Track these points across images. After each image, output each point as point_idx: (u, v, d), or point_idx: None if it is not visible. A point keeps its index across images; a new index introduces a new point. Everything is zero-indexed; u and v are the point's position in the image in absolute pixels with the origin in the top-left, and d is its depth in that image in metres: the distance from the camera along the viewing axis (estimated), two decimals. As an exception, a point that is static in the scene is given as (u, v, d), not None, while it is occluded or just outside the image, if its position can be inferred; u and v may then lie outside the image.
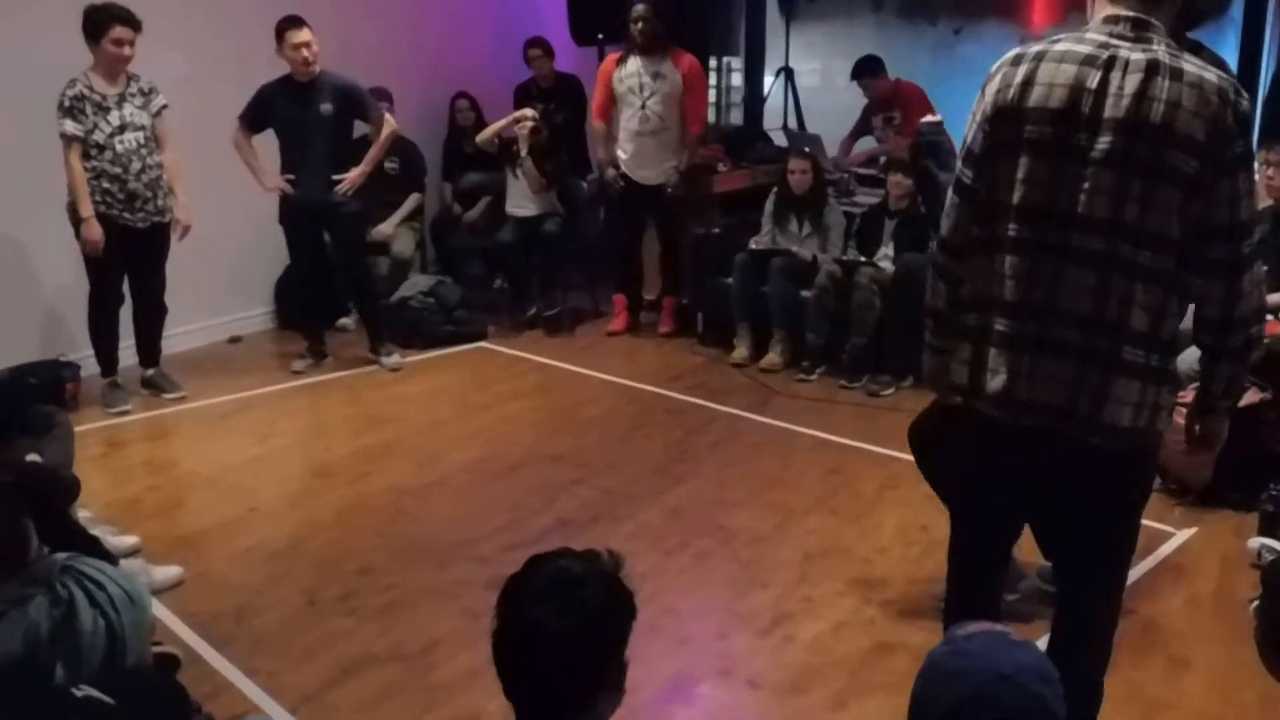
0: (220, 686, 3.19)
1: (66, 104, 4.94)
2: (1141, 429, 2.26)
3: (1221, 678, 3.24)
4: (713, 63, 8.84)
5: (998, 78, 2.29)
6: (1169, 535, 4.07)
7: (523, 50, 7.25)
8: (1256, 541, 3.90)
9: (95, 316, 5.32)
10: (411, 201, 6.90)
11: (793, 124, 8.14)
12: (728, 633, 3.50)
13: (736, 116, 9.18)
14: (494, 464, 4.79)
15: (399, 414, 5.41)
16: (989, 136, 2.29)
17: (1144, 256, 2.20)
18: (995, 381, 2.31)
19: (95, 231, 5.01)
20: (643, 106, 6.31)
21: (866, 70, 6.93)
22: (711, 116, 7.86)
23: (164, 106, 5.23)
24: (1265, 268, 2.80)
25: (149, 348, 5.54)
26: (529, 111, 6.62)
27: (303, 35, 5.47)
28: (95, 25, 4.93)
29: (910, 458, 4.71)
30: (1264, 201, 4.62)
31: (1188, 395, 4.32)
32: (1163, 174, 2.17)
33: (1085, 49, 2.22)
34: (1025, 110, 2.22)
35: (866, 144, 7.24)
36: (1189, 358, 4.65)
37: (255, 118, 5.65)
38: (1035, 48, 2.28)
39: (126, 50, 5.00)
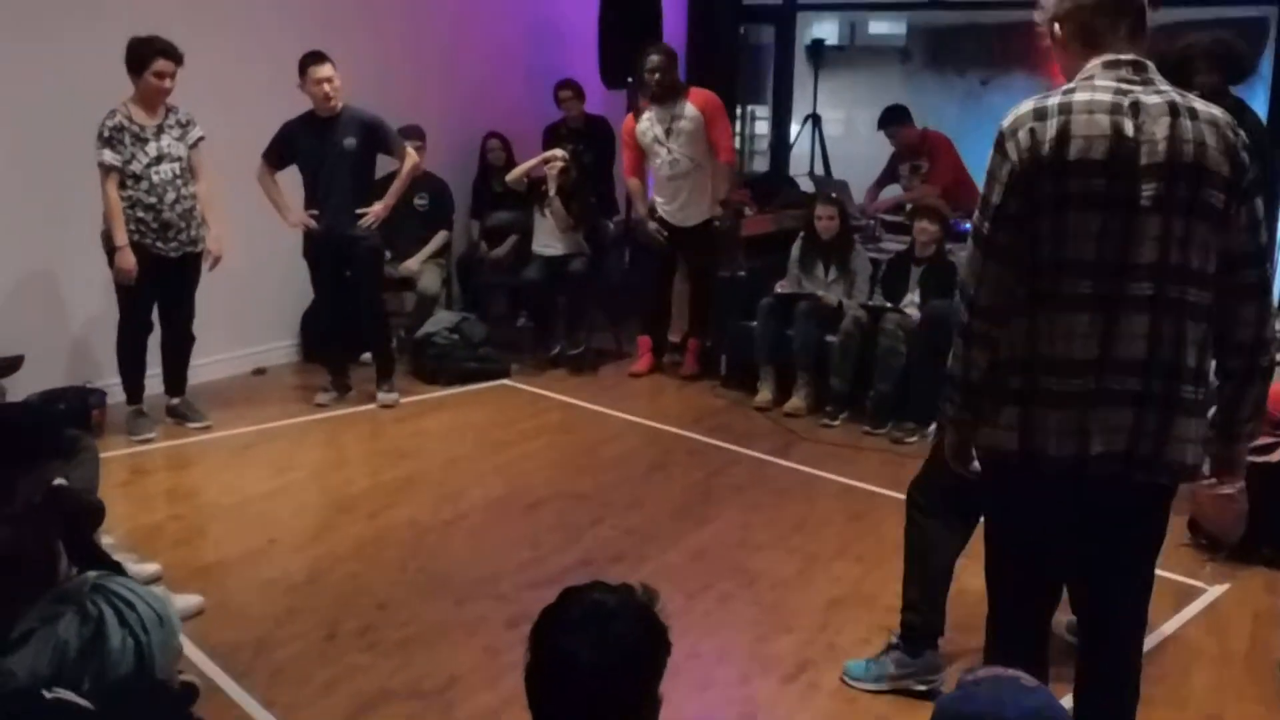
0: (238, 718, 3.17)
1: (105, 134, 4.99)
2: (1200, 463, 2.32)
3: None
4: (738, 110, 8.92)
5: (1022, 135, 2.23)
6: (1201, 591, 4.02)
7: (554, 91, 7.31)
8: None
9: (124, 344, 5.34)
10: (439, 239, 6.94)
11: (819, 170, 8.18)
12: (751, 678, 3.46)
13: (761, 164, 9.24)
14: (515, 501, 4.77)
15: (421, 449, 5.40)
16: (1026, 195, 2.23)
17: (1191, 294, 2.24)
18: (1061, 445, 2.27)
19: (129, 260, 5.05)
20: (669, 151, 6.34)
21: (894, 119, 6.96)
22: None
23: (201, 138, 5.28)
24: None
25: (175, 377, 5.56)
26: (559, 152, 6.66)
27: (324, 71, 5.51)
28: (138, 57, 4.99)
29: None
30: None
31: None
32: (1197, 211, 2.23)
33: (1107, 97, 2.23)
34: (1067, 164, 2.20)
35: (893, 191, 7.25)
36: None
37: (279, 153, 5.70)
38: (1054, 100, 2.25)
39: (168, 83, 5.06)
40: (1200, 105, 2.28)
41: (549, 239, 6.75)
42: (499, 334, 6.98)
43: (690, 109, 6.34)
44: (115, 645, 1.69)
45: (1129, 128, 2.20)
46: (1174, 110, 2.23)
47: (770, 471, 5.19)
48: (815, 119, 8.42)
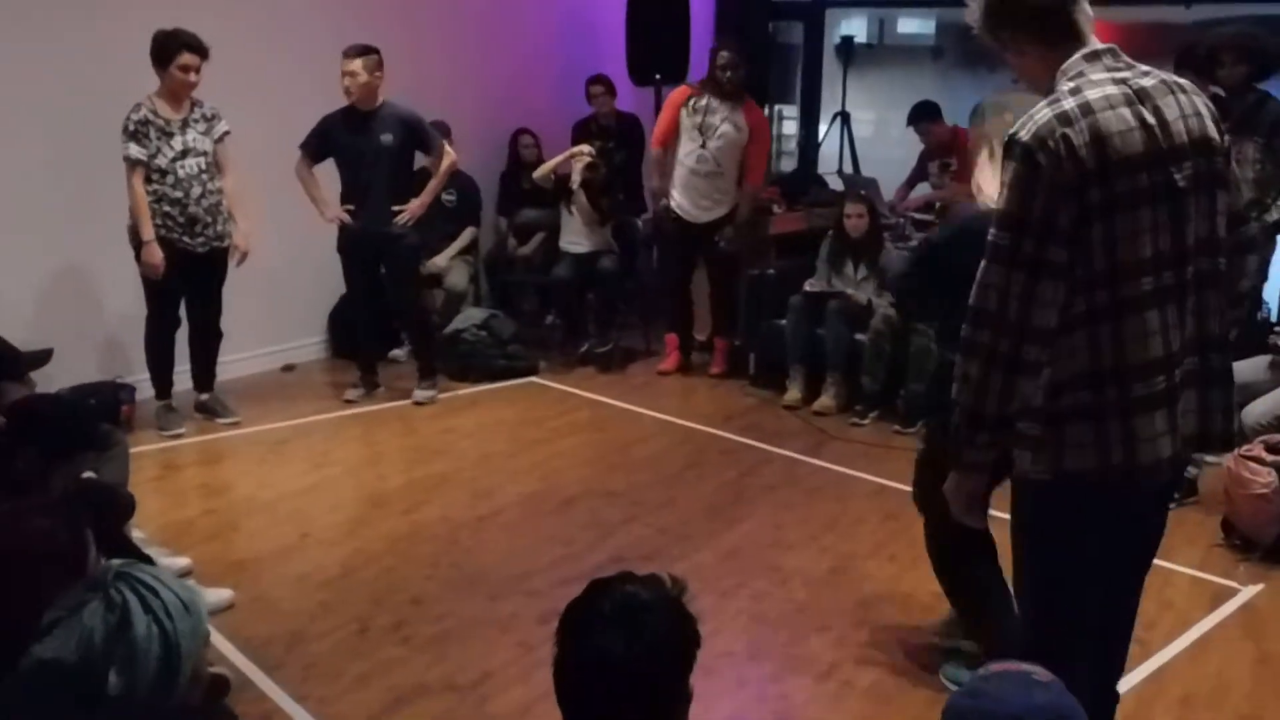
0: (270, 712, 3.17)
1: (131, 128, 5.00)
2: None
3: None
4: (766, 110, 8.89)
5: (1053, 144, 2.12)
6: (1235, 591, 3.98)
7: (585, 87, 7.30)
8: None
9: (152, 339, 5.36)
10: (467, 235, 6.94)
11: (848, 169, 8.14)
12: (784, 677, 3.43)
13: (788, 164, 9.20)
14: (548, 499, 4.76)
15: (453, 446, 5.40)
16: (1078, 203, 2.13)
17: (1220, 263, 2.27)
18: (1158, 448, 2.20)
19: (156, 255, 5.06)
20: (704, 145, 6.30)
21: (925, 115, 6.90)
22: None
23: (226, 133, 5.28)
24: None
25: (204, 372, 5.57)
26: (585, 147, 6.65)
27: (348, 65, 5.49)
28: (164, 51, 5.00)
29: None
30: None
31: (1254, 449, 4.28)
32: (1213, 182, 2.25)
33: (1115, 90, 2.18)
34: (1110, 166, 2.13)
35: (923, 190, 7.21)
36: (1255, 411, 4.59)
37: (317, 147, 5.69)
38: (1069, 104, 2.15)
39: (193, 77, 5.06)
40: (1178, 78, 2.31)
41: (575, 235, 6.74)
42: (527, 332, 6.97)
43: (742, 119, 6.30)
44: (141, 632, 1.68)
45: (1148, 116, 2.17)
46: (1170, 89, 2.24)
47: (802, 471, 5.16)
48: (844, 117, 8.37)
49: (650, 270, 7.23)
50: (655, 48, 7.20)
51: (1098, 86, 2.18)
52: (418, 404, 5.93)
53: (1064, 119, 2.14)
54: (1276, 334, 4.89)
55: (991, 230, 2.19)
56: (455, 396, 6.12)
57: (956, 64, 8.99)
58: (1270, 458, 4.21)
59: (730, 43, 6.49)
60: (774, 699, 3.31)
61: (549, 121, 7.47)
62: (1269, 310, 5.52)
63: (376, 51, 5.57)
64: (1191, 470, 4.50)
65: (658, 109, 6.79)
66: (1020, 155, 2.15)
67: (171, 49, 5.00)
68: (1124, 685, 3.31)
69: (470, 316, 6.60)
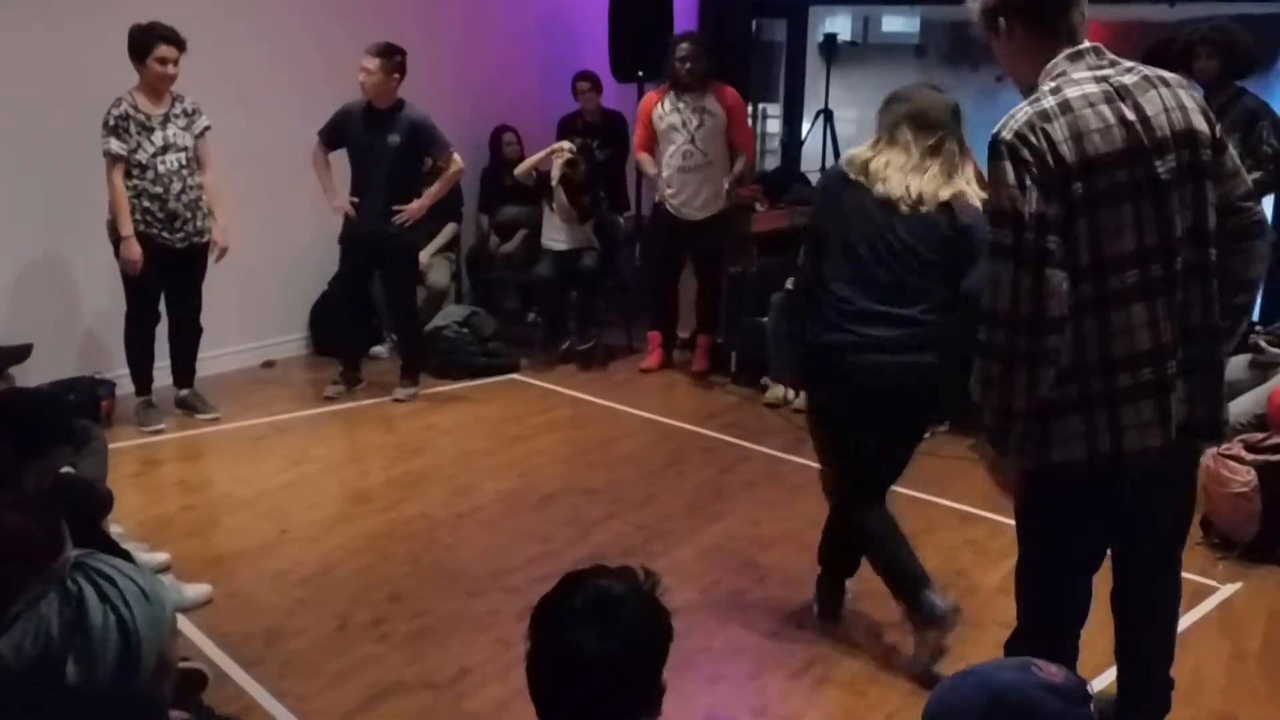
0: (248, 708, 3.16)
1: (111, 123, 4.98)
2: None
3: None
4: (750, 109, 8.88)
5: (1035, 139, 2.19)
6: (1213, 590, 3.99)
7: (571, 83, 7.29)
8: None
9: (131, 335, 5.34)
10: (448, 231, 6.93)
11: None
12: (761, 672, 3.44)
13: (772, 163, 9.21)
14: (527, 496, 4.76)
15: (432, 443, 5.40)
16: (1062, 197, 2.19)
17: (1210, 255, 2.31)
18: (1145, 437, 2.28)
19: (134, 250, 5.04)
20: (690, 141, 6.29)
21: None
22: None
23: (207, 128, 5.26)
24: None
25: (183, 368, 5.55)
26: (566, 144, 6.63)
27: (365, 62, 5.51)
28: (140, 44, 4.98)
29: (948, 503, 4.71)
30: None
31: (1233, 448, 4.30)
32: (1199, 172, 2.29)
33: (1095, 88, 2.24)
34: (1091, 162, 2.19)
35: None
36: (1235, 410, 4.61)
37: (331, 136, 5.70)
38: (1049, 102, 2.22)
39: (171, 69, 5.03)
40: (1163, 73, 2.35)
41: (556, 233, 6.73)
42: (509, 328, 6.97)
43: (715, 105, 6.29)
44: (97, 622, 1.66)
45: (1128, 112, 2.23)
46: (1151, 83, 2.29)
47: (782, 468, 5.17)
48: (827, 115, 8.39)
49: (632, 268, 7.23)
50: (638, 45, 7.19)
51: (1078, 85, 2.24)
52: (398, 401, 5.91)
53: (1043, 115, 2.21)
54: (1257, 333, 4.92)
55: (988, 229, 2.27)
56: (436, 394, 6.11)
57: (939, 62, 9.03)
58: (1250, 456, 4.23)
59: (688, 34, 6.48)
60: (751, 694, 3.32)
61: (532, 118, 7.46)
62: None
63: (400, 53, 5.58)
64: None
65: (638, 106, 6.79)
66: (1006, 152, 2.21)
67: (148, 42, 4.98)
68: (1100, 682, 3.35)
69: (451, 314, 6.59)
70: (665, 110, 6.32)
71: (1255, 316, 5.63)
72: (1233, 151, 2.41)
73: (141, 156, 5.03)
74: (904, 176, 3.23)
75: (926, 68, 9.01)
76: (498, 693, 3.21)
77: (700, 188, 6.36)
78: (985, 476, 2.54)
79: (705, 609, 3.81)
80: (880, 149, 3.31)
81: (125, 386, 5.48)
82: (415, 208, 5.73)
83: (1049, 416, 2.29)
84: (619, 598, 1.72)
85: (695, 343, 6.69)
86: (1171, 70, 2.41)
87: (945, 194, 3.22)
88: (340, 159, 5.77)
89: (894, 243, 3.23)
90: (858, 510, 3.53)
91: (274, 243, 6.04)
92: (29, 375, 4.98)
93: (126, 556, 3.03)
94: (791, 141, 8.97)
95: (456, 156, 5.86)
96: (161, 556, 3.93)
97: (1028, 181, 2.19)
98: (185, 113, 5.19)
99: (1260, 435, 4.35)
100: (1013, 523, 4.49)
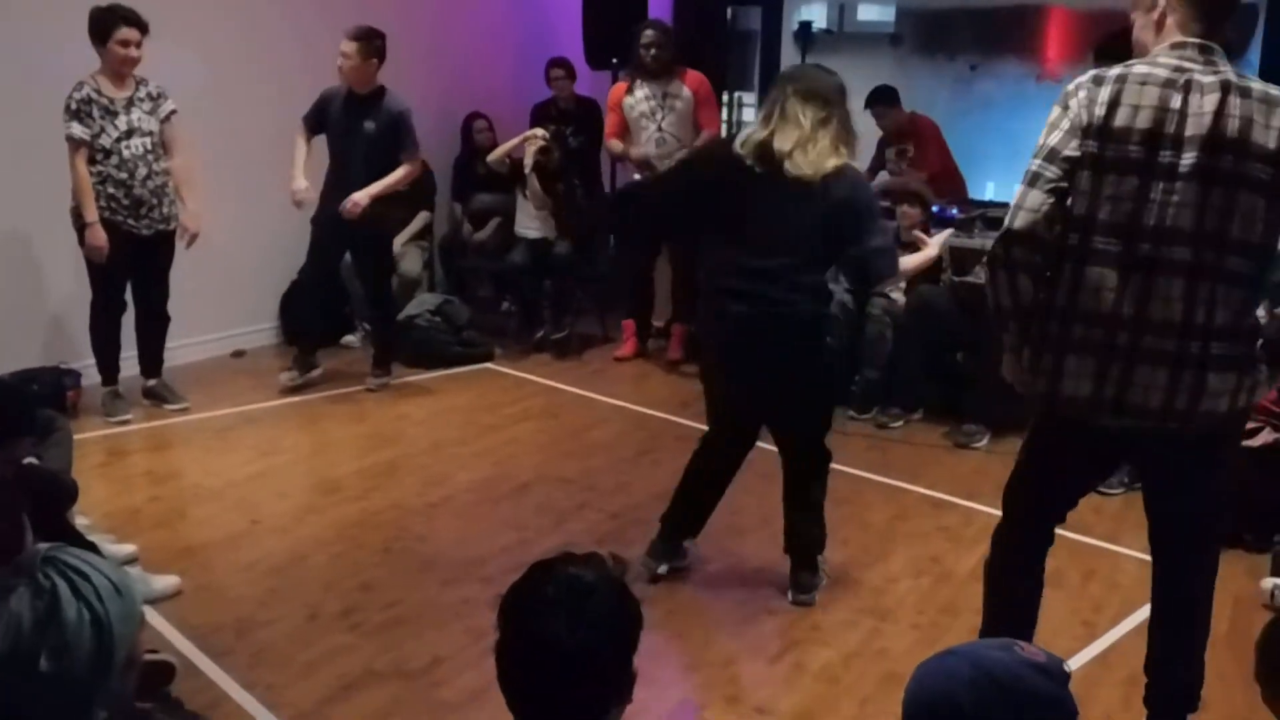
0: (218, 699, 3.13)
1: (73, 107, 4.89)
2: (1240, 410, 2.52)
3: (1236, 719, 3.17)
4: (725, 97, 8.86)
5: (1081, 94, 2.46)
6: (1184, 574, 4.00)
7: (545, 70, 7.24)
8: (1270, 582, 3.86)
9: (97, 324, 5.26)
10: (420, 219, 6.88)
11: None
12: (736, 659, 3.44)
13: (749, 150, 9.18)
14: (500, 485, 4.73)
15: (405, 433, 5.36)
16: (1079, 143, 2.44)
17: (1231, 262, 2.40)
18: (1077, 387, 2.49)
19: (99, 238, 4.96)
20: (659, 129, 6.28)
21: (882, 99, 6.88)
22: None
23: (173, 112, 5.18)
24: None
25: (151, 358, 5.47)
26: (539, 131, 6.59)
27: (343, 45, 5.45)
28: (101, 27, 4.90)
29: (921, 490, 4.71)
30: None
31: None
32: (1242, 183, 2.38)
33: (1163, 73, 2.41)
34: (1111, 130, 2.40)
35: (881, 178, 7.21)
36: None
37: (314, 119, 5.63)
38: (1115, 70, 2.46)
39: (133, 51, 4.95)
40: (1257, 85, 2.42)
41: (530, 220, 6.70)
42: (483, 317, 6.94)
43: (684, 89, 6.28)
44: (71, 617, 1.64)
45: (1176, 101, 2.38)
46: (1225, 88, 2.38)
47: (756, 456, 5.09)
48: (802, 104, 8.37)
49: (606, 256, 7.20)
50: (612, 31, 7.15)
51: (1153, 66, 2.44)
52: (369, 390, 5.87)
53: (1098, 80, 2.46)
54: None
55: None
56: (408, 383, 6.08)
57: (915, 51, 9.02)
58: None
59: (651, 21, 6.46)
60: (725, 682, 3.31)
61: (505, 105, 7.42)
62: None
63: (379, 37, 5.50)
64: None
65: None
66: (1060, 99, 2.51)
67: (108, 24, 4.90)
68: (1072, 664, 3.35)
69: (424, 302, 6.55)
70: (636, 99, 6.30)
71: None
72: None
73: (105, 141, 4.96)
74: (800, 151, 3.41)
75: (902, 56, 9.00)
76: (471, 681, 3.19)
77: None
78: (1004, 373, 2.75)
79: (679, 597, 3.79)
80: (774, 126, 3.47)
81: (91, 376, 5.40)
82: (361, 197, 5.49)
83: (1023, 346, 2.58)
84: (589, 586, 1.71)
85: (670, 331, 6.68)
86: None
87: (829, 165, 3.42)
88: (321, 144, 5.70)
89: (778, 215, 3.44)
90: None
91: (244, 230, 5.97)
92: (-7, 366, 4.91)
93: (93, 548, 3.00)
94: (766, 130, 8.96)
95: (418, 163, 5.77)
96: (129, 548, 3.88)
97: (1061, 124, 2.46)
98: (150, 96, 5.10)
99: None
100: (984, 509, 4.55)
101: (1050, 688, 1.47)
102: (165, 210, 5.18)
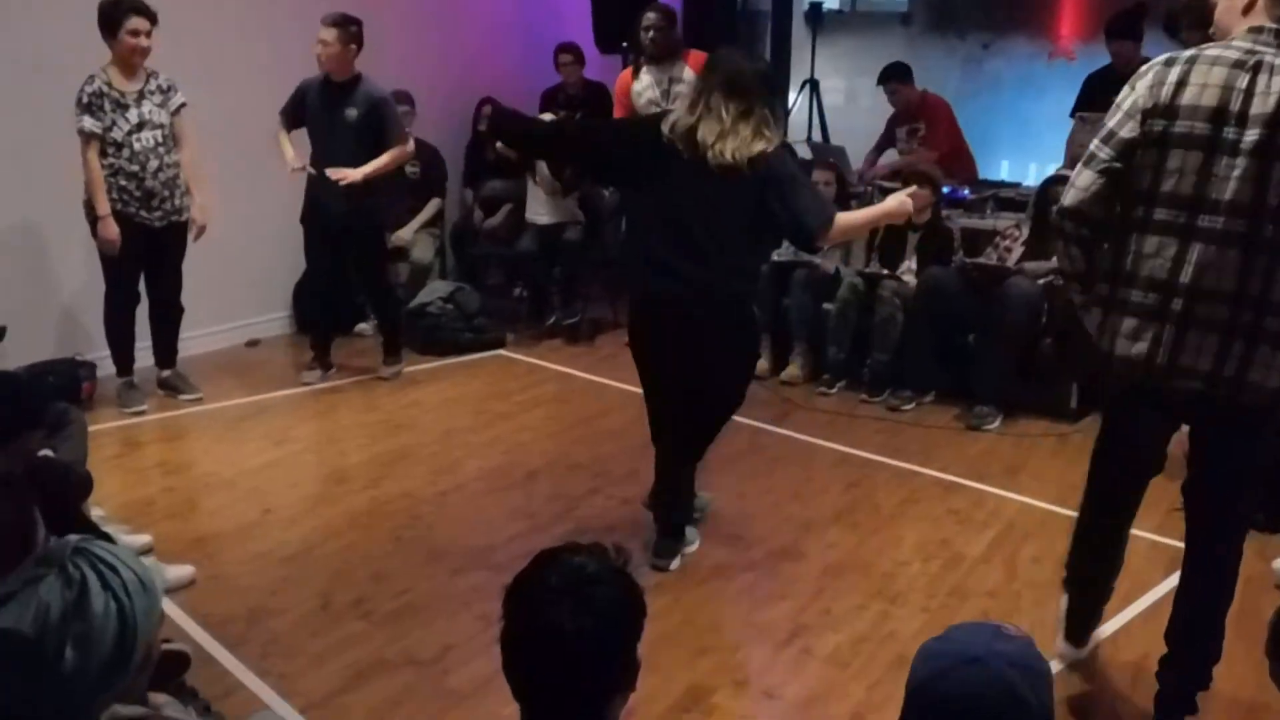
0: (231, 687, 3.15)
1: (85, 100, 4.92)
2: None
3: (1247, 699, 3.16)
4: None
5: (1149, 76, 2.59)
6: (1195, 555, 3.99)
7: (554, 55, 7.24)
8: None
9: (111, 316, 5.29)
10: (431, 207, 6.89)
11: (817, 136, 8.11)
12: (745, 644, 3.45)
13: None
14: (511, 472, 4.75)
15: (416, 421, 5.38)
16: (1139, 127, 2.58)
17: None
18: (1134, 348, 2.65)
19: (112, 230, 4.99)
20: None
21: (894, 76, 6.86)
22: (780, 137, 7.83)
23: (183, 105, 5.19)
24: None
25: (165, 348, 5.51)
26: (548, 117, 6.58)
27: (322, 34, 5.39)
28: (110, 18, 4.91)
29: (932, 473, 4.71)
30: None
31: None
32: None
33: (1234, 54, 2.52)
34: (1178, 108, 2.53)
35: (891, 157, 7.19)
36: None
37: (292, 113, 5.61)
38: (1187, 53, 2.58)
39: (143, 41, 4.96)
40: None
41: (540, 207, 6.71)
42: (494, 304, 6.95)
43: (688, 72, 6.25)
44: (98, 609, 1.67)
45: (1243, 81, 2.48)
46: None
47: (766, 440, 5.17)
48: (813, 84, 8.34)
49: (617, 241, 7.20)
50: (621, 15, 7.13)
51: (1225, 47, 2.55)
52: (382, 379, 5.89)
53: (1170, 61, 2.59)
54: None
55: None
56: (419, 371, 6.10)
57: (926, 30, 8.97)
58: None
59: (653, 4, 6.43)
60: (734, 667, 3.33)
61: (515, 91, 7.39)
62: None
63: (356, 24, 5.46)
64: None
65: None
66: (1130, 81, 2.65)
67: (118, 15, 4.91)
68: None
69: (436, 289, 6.57)
70: (642, 86, 6.28)
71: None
72: None
73: (117, 134, 4.98)
74: (722, 141, 3.57)
75: (913, 36, 8.96)
76: (481, 669, 3.21)
77: None
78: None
79: (687, 582, 3.81)
80: (699, 115, 3.63)
81: (107, 368, 5.45)
82: (355, 174, 5.46)
83: (1092, 305, 2.77)
84: (593, 574, 1.73)
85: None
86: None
87: (755, 150, 3.57)
88: (301, 137, 5.67)
89: (702, 197, 3.60)
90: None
91: (255, 220, 5.99)
92: (8, 358, 4.94)
93: (108, 539, 3.03)
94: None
95: (408, 145, 5.74)
96: (144, 538, 3.92)
97: (1125, 105, 2.61)
98: (160, 89, 5.12)
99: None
100: (994, 491, 4.55)
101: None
102: (177, 202, 5.20)
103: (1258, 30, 2.54)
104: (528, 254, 6.72)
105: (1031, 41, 8.35)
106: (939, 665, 1.51)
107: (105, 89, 4.96)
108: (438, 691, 3.16)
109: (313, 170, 5.55)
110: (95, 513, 3.68)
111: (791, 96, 8.77)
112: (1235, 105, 2.49)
